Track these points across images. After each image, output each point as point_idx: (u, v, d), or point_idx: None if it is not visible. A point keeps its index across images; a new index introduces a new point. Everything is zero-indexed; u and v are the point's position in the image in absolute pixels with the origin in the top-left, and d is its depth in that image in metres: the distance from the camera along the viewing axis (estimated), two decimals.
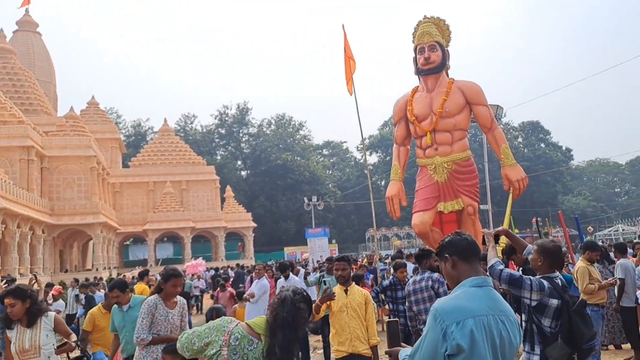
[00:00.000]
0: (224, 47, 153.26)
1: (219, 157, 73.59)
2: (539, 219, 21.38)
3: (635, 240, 18.90)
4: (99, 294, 11.57)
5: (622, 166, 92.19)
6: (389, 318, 6.57)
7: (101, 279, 22.15)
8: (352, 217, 69.23)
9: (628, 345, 7.45)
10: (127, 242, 56.01)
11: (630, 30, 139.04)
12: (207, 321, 4.43)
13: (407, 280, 6.76)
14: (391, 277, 7.07)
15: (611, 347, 7.86)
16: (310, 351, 9.25)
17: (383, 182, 65.43)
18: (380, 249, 41.80)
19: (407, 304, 5.74)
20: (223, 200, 56.22)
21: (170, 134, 56.91)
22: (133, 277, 13.88)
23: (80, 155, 38.47)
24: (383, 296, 7.14)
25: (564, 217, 12.53)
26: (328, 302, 4.97)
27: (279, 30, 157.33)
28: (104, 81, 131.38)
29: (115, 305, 5.32)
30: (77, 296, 12.83)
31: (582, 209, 70.24)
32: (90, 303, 10.59)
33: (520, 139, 77.38)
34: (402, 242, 45.29)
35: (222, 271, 24.92)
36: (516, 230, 23.32)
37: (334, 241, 46.20)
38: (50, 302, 9.93)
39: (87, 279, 21.28)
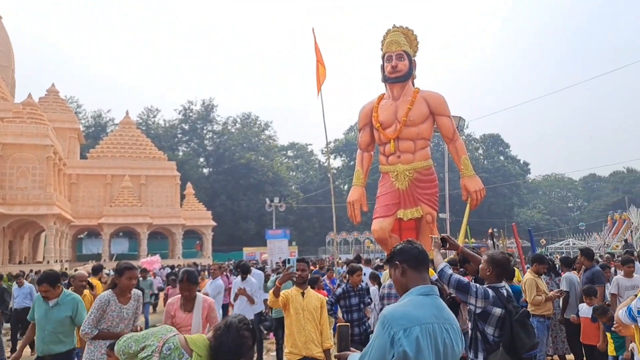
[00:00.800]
0: (192, 43, 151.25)
1: (180, 153, 72.42)
2: (494, 229, 21.93)
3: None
4: (28, 286, 11.15)
5: (575, 182, 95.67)
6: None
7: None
8: (314, 220, 69.31)
9: (572, 356, 7.72)
10: (81, 236, 54.49)
11: (592, 49, 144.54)
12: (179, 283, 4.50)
13: (361, 285, 6.77)
14: (343, 284, 6.91)
15: (555, 357, 8.13)
16: (264, 352, 9.21)
17: (346, 187, 65.80)
18: (340, 253, 42.00)
19: (379, 305, 5.75)
20: (183, 197, 55.36)
21: (132, 126, 55.64)
22: (89, 274, 13.37)
23: (37, 144, 37.18)
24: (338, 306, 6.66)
25: (518, 229, 12.96)
26: (285, 303, 4.97)
27: (249, 29, 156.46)
28: (66, 70, 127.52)
29: (40, 296, 5.06)
30: None
31: (537, 221, 72.50)
32: (1, 296, 10.26)
33: (480, 151, 79.20)
34: (374, 246, 45.73)
35: (177, 269, 24.51)
36: (472, 240, 23.87)
37: (294, 243, 46.17)
38: None
39: (33, 271, 20.50)
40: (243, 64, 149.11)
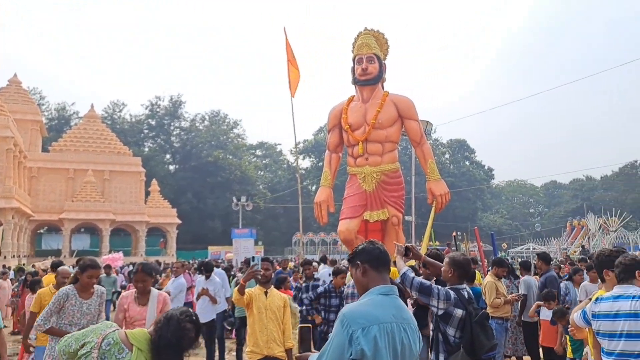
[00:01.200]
0: (161, 39, 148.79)
1: (146, 149, 71.14)
2: (458, 233, 22.34)
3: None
4: None
5: (537, 188, 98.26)
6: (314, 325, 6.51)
7: (9, 267, 20.80)
8: (281, 220, 69.14)
9: (529, 358, 7.92)
10: (41, 231, 52.90)
11: (556, 57, 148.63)
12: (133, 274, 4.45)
13: (343, 288, 6.76)
14: (327, 284, 6.92)
15: (513, 358, 8.32)
16: (226, 352, 9.13)
17: (314, 187, 65.83)
18: (306, 254, 42.01)
19: (344, 303, 5.77)
20: (148, 193, 54.36)
21: (96, 120, 54.36)
22: (44, 270, 12.96)
23: None
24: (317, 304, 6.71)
25: (481, 233, 13.24)
26: (248, 301, 4.94)
27: (220, 26, 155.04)
28: (30, 60, 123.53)
29: None
30: None
31: (499, 226, 74.11)
32: None
33: (447, 155, 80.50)
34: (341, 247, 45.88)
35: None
36: (437, 243, 24.25)
37: (260, 243, 45.94)
38: None
39: None
40: (213, 61, 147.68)
